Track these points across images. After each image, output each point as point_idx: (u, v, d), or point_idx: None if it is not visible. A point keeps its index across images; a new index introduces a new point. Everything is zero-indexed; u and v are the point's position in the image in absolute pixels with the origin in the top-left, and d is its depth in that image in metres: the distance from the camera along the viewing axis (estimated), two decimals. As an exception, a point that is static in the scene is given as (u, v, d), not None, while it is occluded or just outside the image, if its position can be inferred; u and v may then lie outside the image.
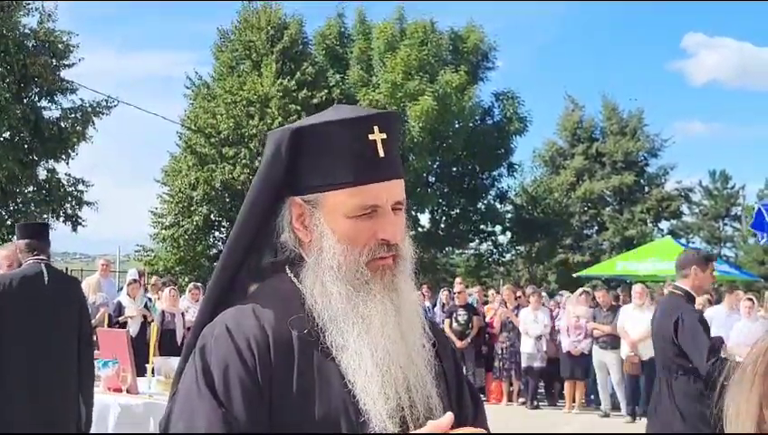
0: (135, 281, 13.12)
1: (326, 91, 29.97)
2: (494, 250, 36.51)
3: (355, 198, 1.73)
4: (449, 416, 1.64)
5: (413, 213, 29.70)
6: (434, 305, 15.54)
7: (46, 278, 5.63)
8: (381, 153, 1.75)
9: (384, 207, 1.74)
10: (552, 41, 61.89)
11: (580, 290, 14.57)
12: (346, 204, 1.73)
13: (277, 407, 1.65)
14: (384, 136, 1.76)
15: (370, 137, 1.75)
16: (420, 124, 28.19)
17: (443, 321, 13.93)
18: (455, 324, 13.90)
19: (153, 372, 7.35)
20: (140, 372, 7.47)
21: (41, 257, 5.74)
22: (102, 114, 25.35)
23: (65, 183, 25.52)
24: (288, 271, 1.83)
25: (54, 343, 5.59)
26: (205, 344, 1.71)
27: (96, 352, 7.79)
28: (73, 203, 25.69)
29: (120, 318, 12.15)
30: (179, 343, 12.29)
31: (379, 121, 1.77)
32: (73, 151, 25.16)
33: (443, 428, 1.62)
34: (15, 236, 5.99)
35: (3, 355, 5.37)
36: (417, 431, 1.66)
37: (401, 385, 1.71)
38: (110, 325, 11.04)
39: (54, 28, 24.49)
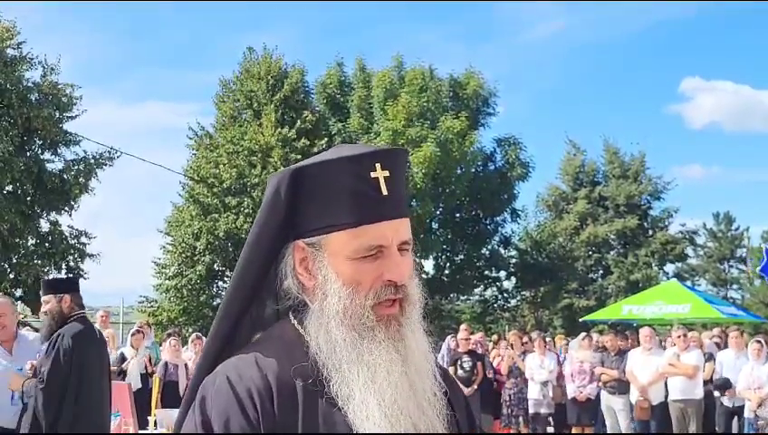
0: (138, 332, 12.98)
1: (327, 139, 30.10)
2: (499, 296, 36.41)
3: (359, 239, 1.66)
4: None
5: (417, 259, 29.63)
6: (438, 352, 15.35)
7: (98, 333, 6.18)
8: (384, 191, 1.68)
9: (390, 248, 1.67)
10: (552, 86, 62.32)
11: (583, 335, 14.45)
12: (349, 245, 1.66)
13: None
14: (387, 173, 1.69)
15: (372, 175, 1.68)
16: (423, 171, 28.26)
17: (447, 368, 13.72)
18: (459, 371, 13.69)
19: (155, 425, 7.25)
20: (143, 424, 7.36)
21: (84, 312, 6.07)
22: (105, 165, 25.42)
23: (67, 235, 25.49)
24: (292, 318, 1.75)
25: (106, 392, 6.02)
26: (205, 396, 1.63)
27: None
28: (76, 256, 25.63)
29: (122, 365, 12.01)
30: (182, 395, 12.13)
31: (382, 158, 1.70)
32: (76, 203, 25.17)
33: None
34: (46, 290, 6.02)
35: (76, 407, 5.66)
36: None
37: None
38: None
39: (57, 81, 24.66)
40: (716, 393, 12.29)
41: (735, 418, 12.19)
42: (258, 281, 1.77)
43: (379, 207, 1.67)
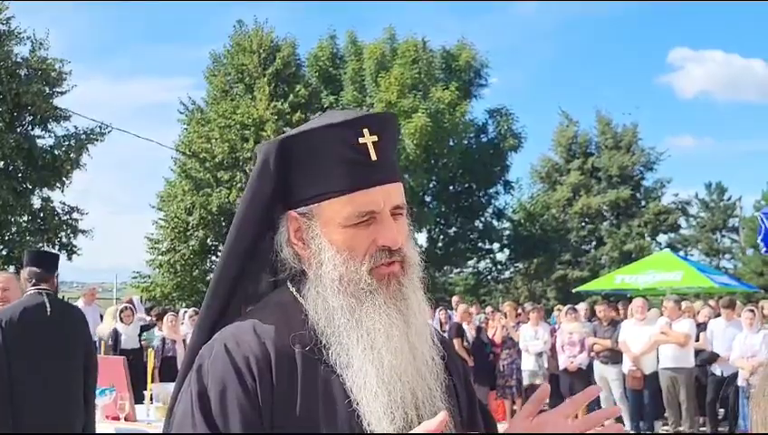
0: (127, 308, 12.96)
1: (320, 112, 29.90)
2: (493, 268, 36.48)
3: (350, 206, 1.64)
4: (442, 415, 1.52)
5: (410, 231, 29.62)
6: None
7: (48, 309, 5.42)
8: (374, 156, 1.66)
9: (382, 213, 1.66)
10: (543, 58, 62.18)
11: (567, 307, 14.49)
12: (341, 213, 1.65)
13: (279, 429, 1.56)
14: (375, 138, 1.67)
15: (360, 140, 1.66)
16: (415, 141, 28.16)
17: (450, 339, 13.74)
18: (466, 343, 13.59)
19: (152, 399, 7.26)
20: (139, 399, 7.37)
21: (42, 287, 5.50)
22: (96, 141, 25.30)
23: (60, 212, 25.42)
24: (290, 286, 1.74)
25: (60, 375, 5.42)
26: (201, 365, 1.62)
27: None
28: (68, 232, 25.57)
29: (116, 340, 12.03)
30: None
31: (370, 123, 1.69)
32: (67, 179, 25.08)
33: (433, 428, 1.50)
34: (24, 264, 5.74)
35: (11, 391, 5.14)
36: (411, 432, 1.56)
37: (409, 402, 1.62)
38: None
39: (47, 56, 24.47)
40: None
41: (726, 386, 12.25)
42: (249, 252, 1.74)
43: (368, 172, 1.66)
